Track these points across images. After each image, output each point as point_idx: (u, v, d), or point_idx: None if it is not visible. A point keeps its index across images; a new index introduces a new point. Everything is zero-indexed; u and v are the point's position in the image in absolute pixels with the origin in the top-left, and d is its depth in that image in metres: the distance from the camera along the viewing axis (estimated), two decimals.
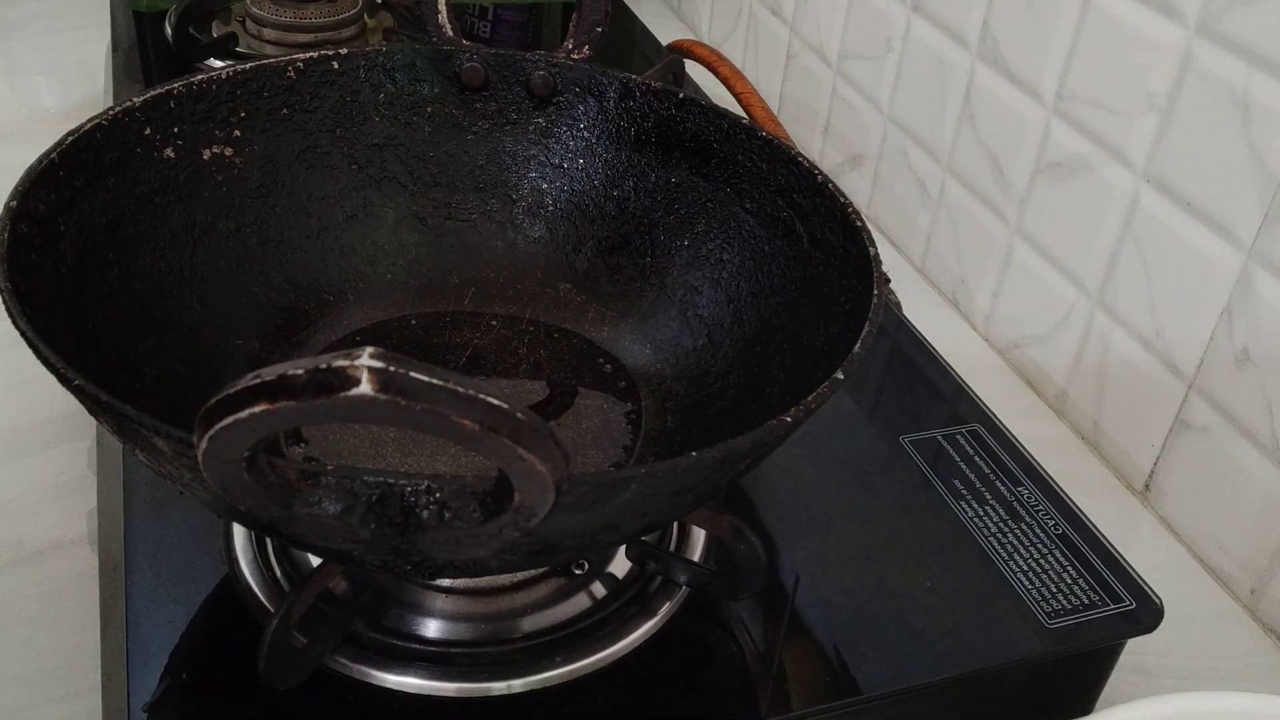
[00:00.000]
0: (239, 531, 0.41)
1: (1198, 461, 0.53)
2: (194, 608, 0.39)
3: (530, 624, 0.40)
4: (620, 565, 0.42)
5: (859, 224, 0.41)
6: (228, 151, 0.45)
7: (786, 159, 0.45)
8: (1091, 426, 0.59)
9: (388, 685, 0.37)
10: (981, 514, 0.46)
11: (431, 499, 0.27)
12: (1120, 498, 0.57)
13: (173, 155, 0.43)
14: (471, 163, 0.51)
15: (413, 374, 0.22)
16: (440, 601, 0.40)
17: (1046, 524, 0.46)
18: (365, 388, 0.21)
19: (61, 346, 0.31)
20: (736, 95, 0.78)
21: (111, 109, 0.41)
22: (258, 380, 0.22)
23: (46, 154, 0.38)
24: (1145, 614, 0.43)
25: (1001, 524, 0.46)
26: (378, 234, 0.50)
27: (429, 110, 0.50)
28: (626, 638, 0.39)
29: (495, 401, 0.23)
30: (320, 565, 0.37)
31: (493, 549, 0.28)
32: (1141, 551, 0.53)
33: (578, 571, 0.41)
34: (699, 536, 0.43)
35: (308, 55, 0.47)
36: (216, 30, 0.77)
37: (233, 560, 0.40)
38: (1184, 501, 0.54)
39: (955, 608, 0.42)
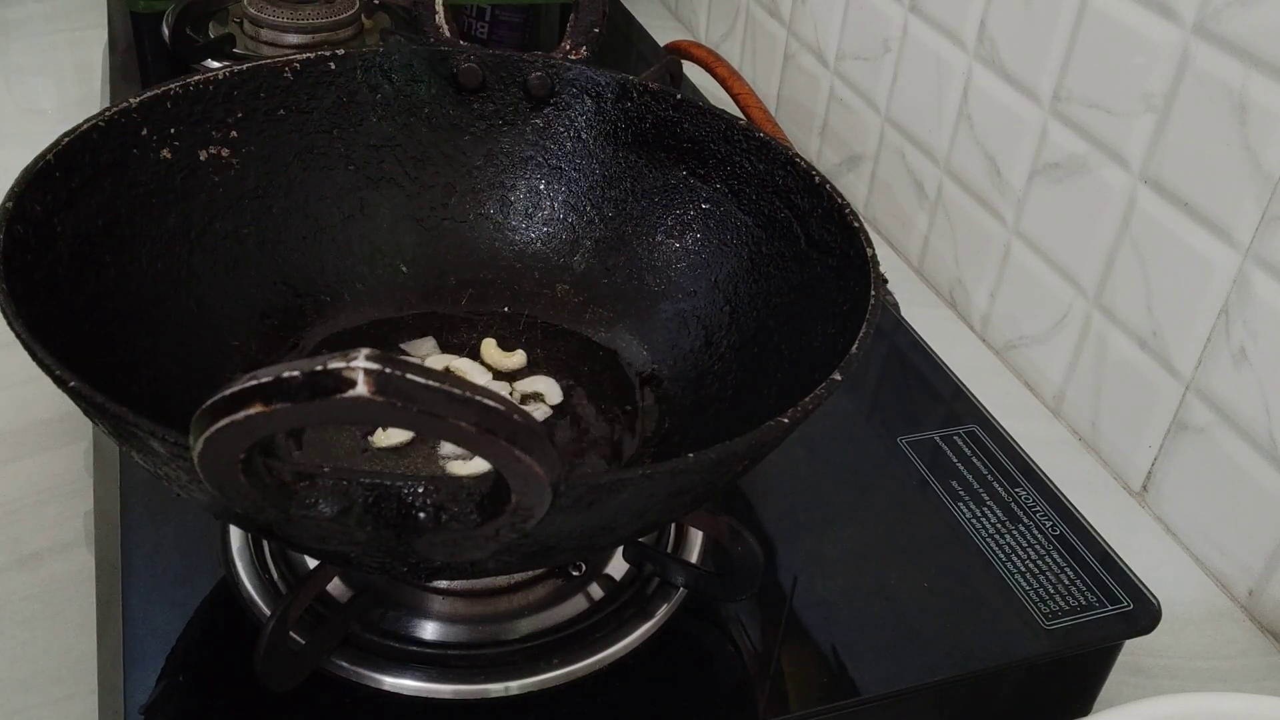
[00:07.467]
0: (236, 533, 0.41)
1: (1195, 462, 0.53)
2: (191, 610, 0.39)
3: (527, 626, 0.39)
4: (618, 567, 0.42)
5: (856, 225, 0.41)
6: (224, 152, 0.45)
7: (784, 160, 0.45)
8: (1089, 427, 0.59)
9: (385, 687, 0.37)
10: (979, 515, 0.46)
11: (428, 501, 0.27)
12: (1118, 498, 0.57)
13: (169, 156, 0.43)
14: (469, 163, 0.51)
15: (409, 376, 0.22)
16: (437, 603, 0.40)
17: (1044, 525, 0.46)
18: (361, 389, 0.21)
19: (57, 348, 0.31)
20: (734, 96, 0.78)
21: (108, 110, 0.41)
22: (254, 382, 0.22)
23: (43, 155, 0.38)
24: (1143, 615, 0.43)
25: (999, 525, 0.46)
26: (375, 235, 0.50)
27: (426, 111, 0.50)
28: (624, 639, 0.39)
29: (492, 403, 0.22)
30: (317, 567, 0.37)
31: (490, 550, 0.28)
32: (1139, 552, 0.53)
33: (575, 573, 0.41)
34: (696, 538, 0.43)
35: (305, 56, 0.47)
36: (214, 31, 0.77)
37: (230, 562, 0.40)
38: (1182, 502, 0.54)
39: (953, 609, 0.42)
